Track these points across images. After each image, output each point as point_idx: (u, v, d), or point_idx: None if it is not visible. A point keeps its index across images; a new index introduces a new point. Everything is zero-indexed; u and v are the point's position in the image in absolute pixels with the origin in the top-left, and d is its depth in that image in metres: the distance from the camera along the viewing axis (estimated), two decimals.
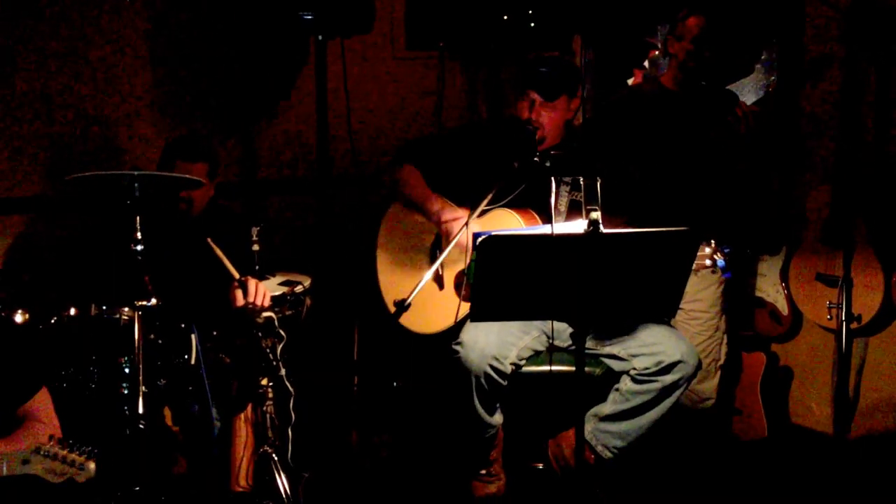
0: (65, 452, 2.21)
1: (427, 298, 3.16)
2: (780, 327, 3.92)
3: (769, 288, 3.90)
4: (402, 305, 2.74)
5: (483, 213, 3.03)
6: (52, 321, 2.81)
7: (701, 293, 3.56)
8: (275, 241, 3.41)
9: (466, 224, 2.93)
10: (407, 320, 3.19)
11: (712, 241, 2.74)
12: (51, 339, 2.82)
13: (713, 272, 2.83)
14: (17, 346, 2.45)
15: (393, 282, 3.34)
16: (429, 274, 2.78)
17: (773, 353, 3.96)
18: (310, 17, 3.59)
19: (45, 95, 3.73)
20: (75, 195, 3.55)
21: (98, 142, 3.86)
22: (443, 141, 3.64)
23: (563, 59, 3.36)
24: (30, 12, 3.67)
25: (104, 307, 2.85)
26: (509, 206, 3.13)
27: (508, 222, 3.10)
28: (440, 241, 3.22)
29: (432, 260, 3.22)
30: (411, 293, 2.73)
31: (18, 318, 2.76)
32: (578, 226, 2.40)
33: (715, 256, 2.75)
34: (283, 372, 3.03)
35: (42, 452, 2.22)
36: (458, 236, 2.92)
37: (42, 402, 2.48)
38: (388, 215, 3.39)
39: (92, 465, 2.22)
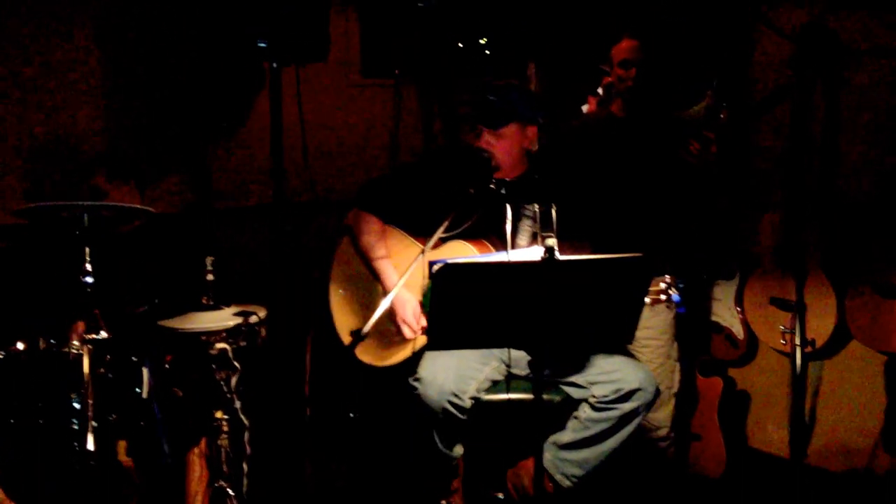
0: None
1: (382, 332, 3.13)
2: (736, 351, 3.95)
3: (724, 312, 3.93)
4: (359, 335, 2.71)
5: (439, 242, 3.02)
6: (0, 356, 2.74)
7: (651, 320, 3.56)
8: (228, 271, 3.36)
9: (423, 252, 2.91)
10: (363, 353, 3.17)
11: (667, 276, 2.76)
12: None
13: (668, 307, 2.85)
14: None
15: (346, 314, 3.31)
16: (385, 302, 2.75)
17: (730, 378, 3.98)
18: (264, 44, 3.56)
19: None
20: (27, 226, 3.48)
21: (49, 172, 3.81)
22: (399, 177, 3.61)
23: (516, 86, 3.34)
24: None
25: (52, 341, 2.78)
26: (465, 234, 3.12)
27: (462, 253, 3.09)
28: None
29: (386, 292, 3.19)
30: (367, 323, 2.70)
31: None
32: (535, 253, 2.40)
33: (670, 291, 2.77)
34: (237, 404, 2.98)
35: None
36: (412, 267, 2.89)
37: None
38: (341, 248, 3.37)
39: None
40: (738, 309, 3.88)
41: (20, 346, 2.79)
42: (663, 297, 2.76)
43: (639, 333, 3.51)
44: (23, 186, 3.77)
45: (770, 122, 3.94)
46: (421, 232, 3.16)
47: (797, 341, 3.38)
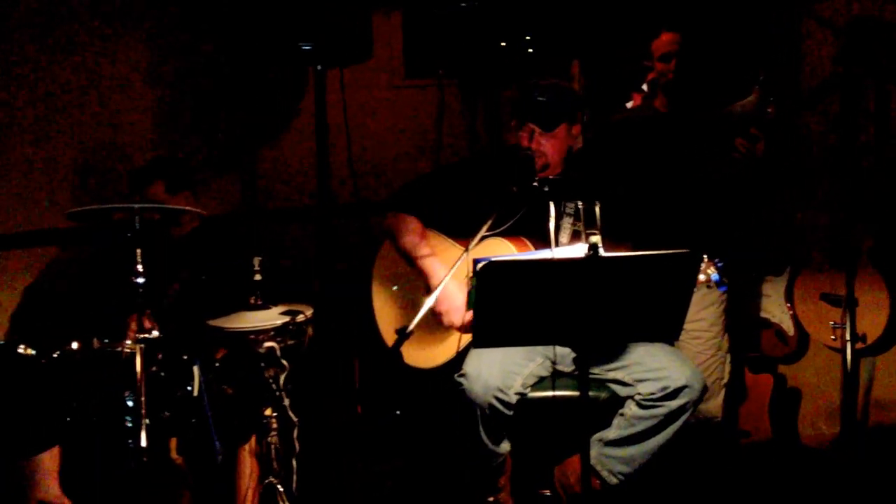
0: None
1: (425, 333, 3.15)
2: (786, 348, 3.90)
3: (774, 308, 3.88)
4: (404, 333, 2.71)
5: (479, 241, 3.02)
6: (56, 355, 2.80)
7: (702, 312, 3.54)
8: (276, 271, 3.41)
9: (467, 250, 2.92)
10: (407, 356, 3.19)
11: (704, 256, 2.72)
12: (55, 374, 2.81)
13: (708, 286, 2.81)
14: (26, 383, 2.42)
15: (389, 315, 3.33)
16: (431, 298, 2.76)
17: (781, 375, 3.93)
18: (308, 47, 3.60)
19: (52, 130, 3.79)
20: (81, 229, 3.58)
21: (103, 177, 3.90)
22: (439, 178, 3.62)
23: (561, 86, 3.34)
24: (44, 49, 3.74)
25: (106, 340, 2.85)
26: (507, 233, 3.12)
27: (501, 250, 3.09)
28: None
29: (428, 293, 3.20)
30: (413, 321, 2.71)
31: (23, 352, 2.75)
32: (579, 250, 2.40)
33: (708, 270, 2.73)
34: (286, 402, 3.02)
35: None
36: (456, 265, 2.90)
37: (50, 464, 2.42)
38: (383, 250, 3.39)
39: None
40: (788, 305, 3.83)
41: (75, 345, 2.86)
42: (702, 276, 2.72)
43: (688, 326, 3.47)
44: (76, 195, 3.86)
45: (819, 117, 3.88)
46: (460, 233, 3.17)
47: (848, 337, 3.34)
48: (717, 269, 2.73)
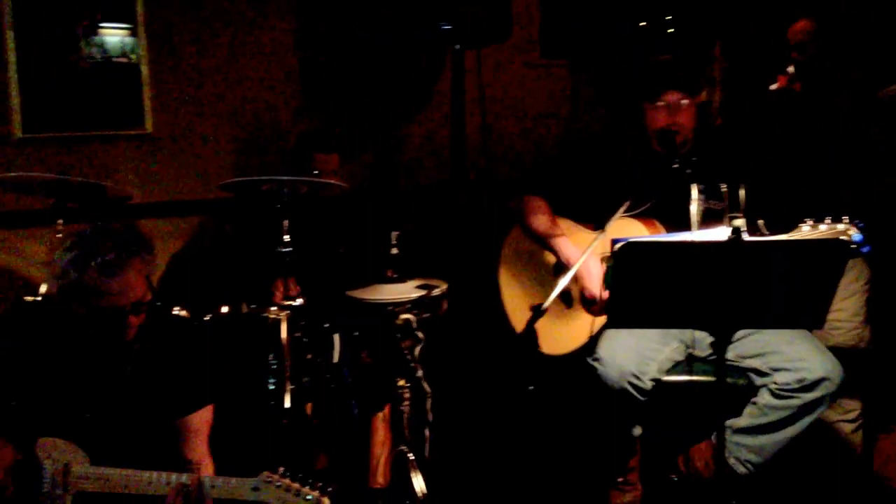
0: (297, 486, 2.24)
1: (555, 320, 3.15)
2: None
3: None
4: (539, 310, 2.72)
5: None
6: (207, 318, 2.95)
7: (843, 302, 3.43)
8: (411, 246, 3.49)
9: (603, 231, 2.90)
10: (540, 343, 3.19)
11: (844, 217, 2.61)
12: (206, 336, 2.96)
13: (852, 248, 2.69)
14: (179, 344, 2.55)
15: (518, 295, 3.35)
16: (564, 280, 2.75)
17: None
18: (448, 27, 3.65)
19: (205, 102, 3.96)
20: (232, 200, 3.73)
21: (253, 150, 4.05)
22: (568, 159, 3.60)
23: (681, 62, 3.29)
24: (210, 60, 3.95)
25: (254, 306, 2.97)
26: (639, 215, 3.09)
27: (633, 232, 3.06)
28: None
29: (559, 274, 3.20)
30: (548, 298, 2.71)
31: (177, 314, 2.90)
32: (720, 233, 2.37)
33: (850, 231, 2.63)
34: (420, 373, 3.09)
35: (274, 483, 2.25)
36: (595, 243, 2.90)
37: (203, 422, 2.52)
38: (511, 235, 3.41)
39: (327, 502, 2.23)
40: None
41: (224, 309, 3.00)
42: (843, 238, 2.62)
43: (830, 315, 3.39)
44: (225, 165, 4.02)
45: None
46: (587, 217, 3.15)
47: None
48: (859, 229, 2.61)
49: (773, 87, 3.75)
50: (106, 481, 2.33)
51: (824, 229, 2.58)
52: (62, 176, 3.14)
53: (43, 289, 2.84)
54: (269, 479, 2.25)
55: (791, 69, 3.59)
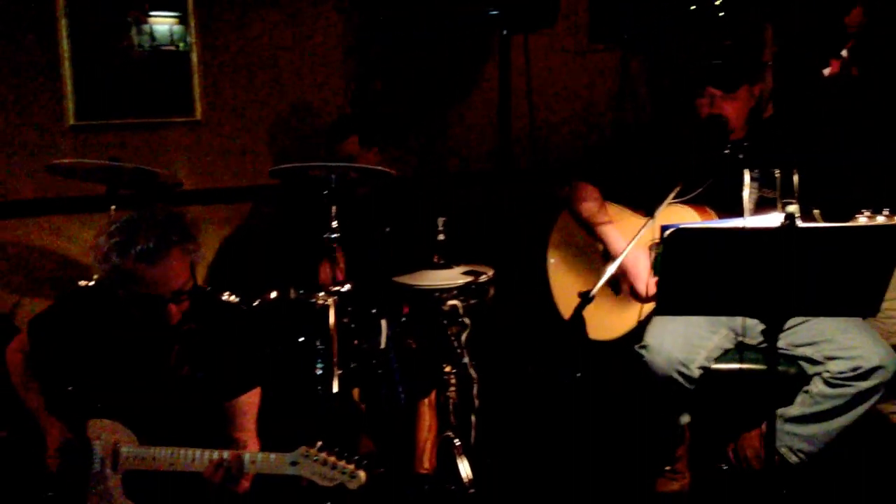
0: (333, 459, 2.26)
1: (603, 305, 3.14)
2: None
3: None
4: (587, 296, 2.71)
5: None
6: (256, 303, 2.98)
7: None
8: (457, 232, 3.49)
9: (653, 217, 2.88)
10: (588, 329, 3.18)
11: (886, 210, 2.56)
12: (256, 320, 2.99)
13: None
14: (229, 328, 2.58)
15: (565, 283, 3.34)
16: (615, 264, 2.74)
17: None
18: (496, 12, 3.64)
19: (253, 88, 4.00)
20: (280, 186, 3.75)
21: (300, 138, 4.08)
22: (619, 146, 3.59)
23: (737, 47, 3.25)
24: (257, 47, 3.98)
25: (302, 291, 2.99)
26: (691, 200, 3.06)
27: (684, 218, 3.03)
28: None
29: (606, 261, 3.19)
30: (596, 286, 2.71)
31: (227, 299, 2.93)
32: (773, 219, 2.34)
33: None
34: (466, 359, 3.09)
35: (312, 458, 2.28)
36: (641, 231, 2.88)
37: (251, 405, 2.56)
38: (560, 221, 3.40)
39: (363, 475, 2.25)
40: None
41: (273, 294, 3.02)
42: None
43: (884, 305, 3.33)
44: (273, 152, 4.05)
45: None
46: (638, 203, 3.13)
47: None
48: None
49: (826, 71, 3.68)
50: (153, 460, 2.39)
51: (882, 221, 2.53)
52: (114, 162, 3.19)
53: (97, 274, 2.89)
54: (307, 454, 2.28)
55: (845, 53, 3.52)
